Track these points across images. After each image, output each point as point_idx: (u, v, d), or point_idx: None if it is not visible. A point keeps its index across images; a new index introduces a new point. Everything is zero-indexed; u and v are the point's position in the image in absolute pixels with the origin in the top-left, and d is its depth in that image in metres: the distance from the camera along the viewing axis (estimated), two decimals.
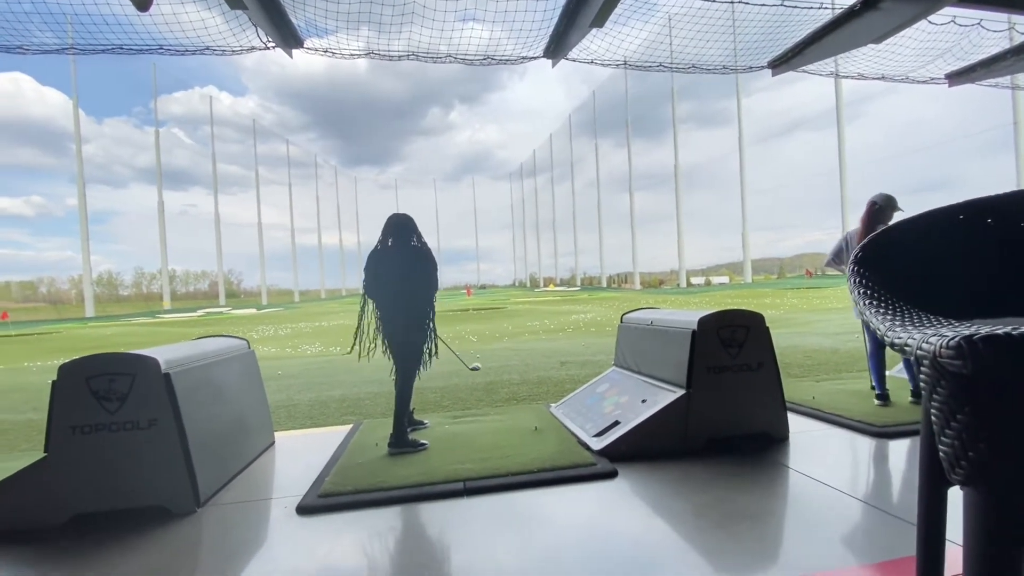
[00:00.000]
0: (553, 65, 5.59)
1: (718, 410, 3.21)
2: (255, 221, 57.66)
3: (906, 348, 0.60)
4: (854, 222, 4.25)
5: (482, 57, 5.48)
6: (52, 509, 2.53)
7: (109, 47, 5.19)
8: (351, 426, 4.16)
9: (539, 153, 74.09)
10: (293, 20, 4.71)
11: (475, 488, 2.74)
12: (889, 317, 0.68)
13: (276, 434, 3.97)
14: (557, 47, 5.14)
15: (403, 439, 3.37)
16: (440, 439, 3.56)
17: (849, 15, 4.95)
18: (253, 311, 40.28)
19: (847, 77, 7.34)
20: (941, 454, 0.59)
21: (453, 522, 2.44)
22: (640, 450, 3.10)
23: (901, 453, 3.09)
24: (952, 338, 0.53)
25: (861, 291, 0.76)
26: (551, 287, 66.46)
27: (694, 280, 52.38)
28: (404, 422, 3.42)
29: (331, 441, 3.71)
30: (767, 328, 3.35)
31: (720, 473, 2.85)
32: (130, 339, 17.74)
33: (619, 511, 2.50)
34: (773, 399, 3.32)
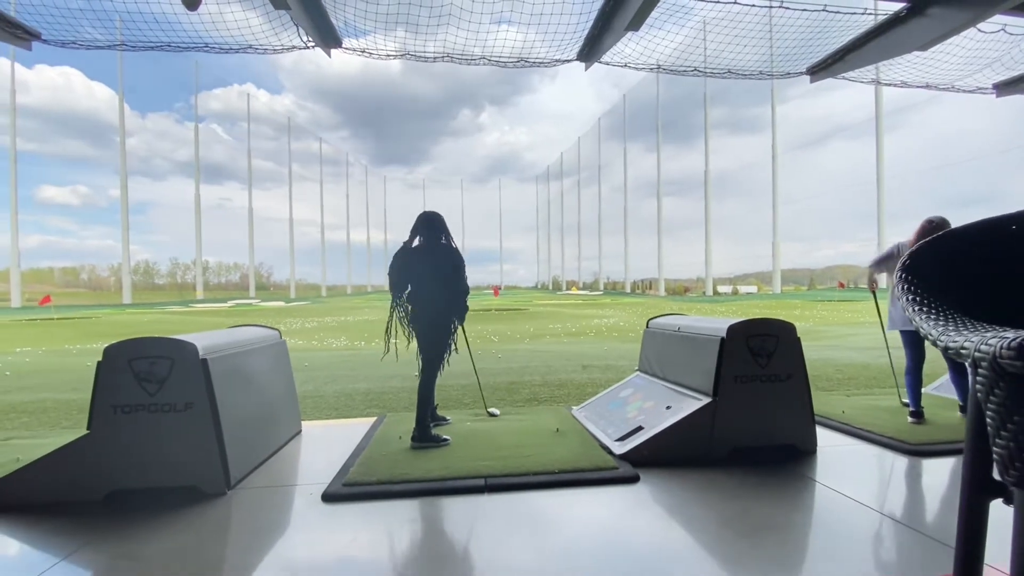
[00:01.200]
0: (586, 68, 5.59)
1: (744, 420, 3.16)
2: (287, 216, 59.16)
3: (962, 351, 0.60)
4: (892, 235, 4.15)
5: (515, 59, 5.51)
6: (92, 484, 2.65)
7: (157, 44, 5.41)
8: (375, 418, 4.23)
9: (566, 156, 74.00)
10: (333, 20, 4.83)
11: (496, 485, 2.77)
12: (941, 323, 0.67)
13: (303, 423, 4.07)
14: (591, 50, 5.14)
15: (426, 434, 3.41)
16: (462, 436, 3.60)
17: (894, 21, 4.81)
18: (281, 304, 41.23)
19: (889, 85, 7.12)
20: (995, 456, 0.58)
21: (473, 517, 2.47)
22: (663, 456, 3.08)
23: (936, 472, 2.98)
24: (1014, 339, 0.53)
25: (910, 297, 0.75)
26: (574, 290, 66.16)
27: (721, 288, 51.41)
28: (427, 417, 3.47)
29: (356, 432, 3.78)
30: (798, 338, 3.28)
31: (745, 483, 2.80)
32: (165, 326, 18.38)
33: (640, 516, 2.49)
34: (802, 411, 3.25)
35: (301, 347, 11.80)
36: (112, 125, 44.30)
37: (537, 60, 5.56)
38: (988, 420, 0.56)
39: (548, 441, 3.41)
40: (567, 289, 70.83)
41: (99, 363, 2.69)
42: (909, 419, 3.84)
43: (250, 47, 5.15)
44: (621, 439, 3.30)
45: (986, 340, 0.56)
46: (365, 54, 5.39)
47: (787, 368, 3.22)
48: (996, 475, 0.73)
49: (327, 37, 4.96)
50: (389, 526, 2.40)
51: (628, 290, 55.19)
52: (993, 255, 0.76)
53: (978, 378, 0.58)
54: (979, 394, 0.57)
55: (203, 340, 2.88)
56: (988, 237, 0.77)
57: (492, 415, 4.30)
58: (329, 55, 5.23)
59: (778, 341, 3.22)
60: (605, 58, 5.31)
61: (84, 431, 2.68)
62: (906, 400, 4.04)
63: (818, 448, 3.29)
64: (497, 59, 5.62)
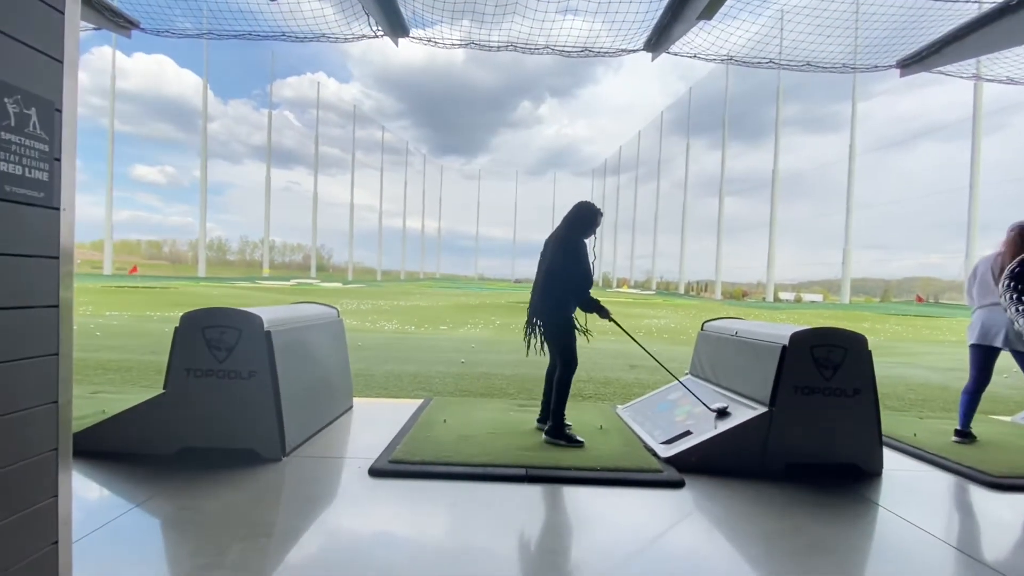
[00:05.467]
0: (652, 59, 5.42)
1: (803, 434, 2.99)
2: (348, 201, 61.59)
3: None
4: (984, 247, 3.74)
5: (580, 49, 5.42)
6: (166, 440, 2.87)
7: (239, 33, 5.72)
8: (422, 401, 4.33)
9: (626, 150, 72.36)
10: (402, 10, 4.93)
11: (537, 476, 2.76)
12: None
13: (355, 399, 4.23)
14: (659, 40, 4.97)
15: (560, 431, 3.28)
16: (505, 424, 3.62)
17: (1003, 11, 4.34)
18: (339, 285, 43.03)
19: (992, 81, 6.46)
20: None
21: (513, 506, 2.48)
22: (711, 464, 2.96)
23: (1021, 508, 2.71)
24: None
25: (1021, 308, 0.66)
26: (624, 287, 64.98)
27: (782, 295, 48.82)
28: (562, 414, 3.31)
29: (403, 412, 3.89)
30: (869, 352, 3.06)
31: (798, 500, 2.65)
32: (234, 300, 19.62)
33: (683, 523, 2.42)
34: (868, 430, 3.03)
35: (355, 327, 12.27)
36: (198, 110, 47.54)
37: (602, 50, 5.45)
38: None
39: (591, 437, 3.37)
40: (618, 287, 69.64)
41: (176, 329, 2.90)
42: (953, 438, 3.60)
43: (323, 36, 5.35)
44: (667, 442, 3.21)
45: None
46: (431, 43, 5.47)
47: (855, 382, 3.01)
48: None
49: (396, 27, 5.07)
50: (431, 505, 2.46)
51: (682, 291, 53.49)
52: None
53: None
54: None
55: (268, 314, 3.04)
56: None
57: (722, 411, 3.27)
58: (396, 44, 5.35)
59: (846, 353, 3.02)
60: (673, 48, 5.12)
61: (161, 391, 2.91)
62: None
63: (884, 471, 3.06)
64: (561, 48, 5.55)
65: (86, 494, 2.44)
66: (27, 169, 1.48)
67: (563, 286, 3.37)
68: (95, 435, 2.88)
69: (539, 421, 3.60)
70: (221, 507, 2.32)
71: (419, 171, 78.56)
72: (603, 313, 3.38)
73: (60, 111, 1.56)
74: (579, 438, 3.26)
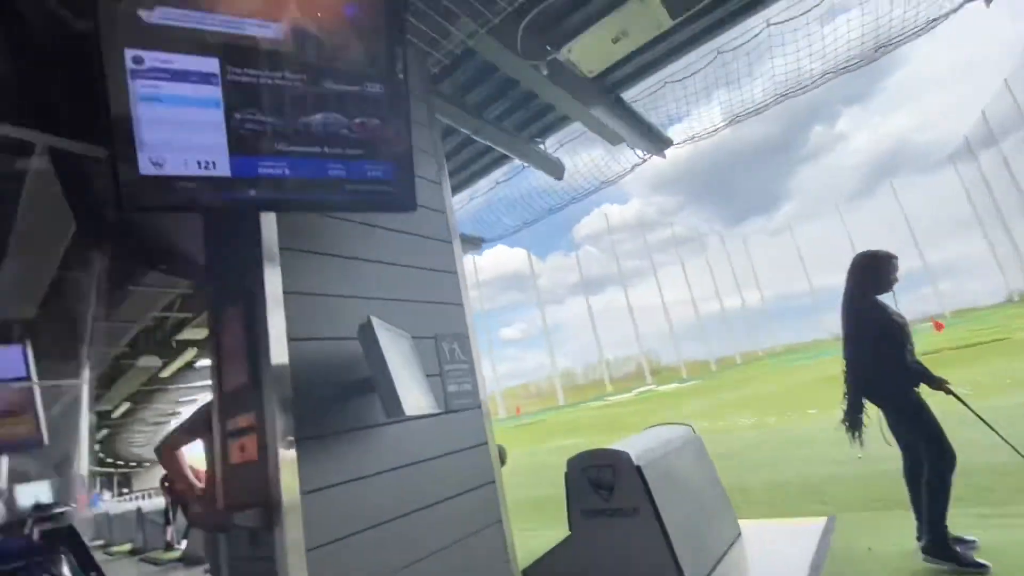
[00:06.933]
0: (988, 3, 4.07)
1: None
2: (659, 303, 63.40)
3: None
4: None
5: (873, 47, 4.56)
6: None
7: (548, 210, 7.12)
8: (825, 520, 3.60)
9: (990, 111, 52.88)
10: (653, 121, 5.19)
11: None
12: None
13: (739, 521, 3.84)
14: None
15: (941, 544, 2.58)
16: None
17: None
18: (676, 385, 42.55)
19: None
20: None
21: None
22: None
23: None
24: None
25: None
26: None
27: None
28: (942, 519, 2.64)
29: (802, 535, 3.29)
30: None
31: None
32: (592, 421, 21.63)
33: None
34: None
35: (706, 428, 11.60)
36: (528, 274, 59.81)
37: (903, 35, 4.43)
38: None
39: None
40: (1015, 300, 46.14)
41: (566, 473, 3.33)
42: None
43: (603, 183, 6.12)
44: None
45: None
46: (695, 139, 5.56)
47: None
48: None
49: (655, 142, 5.39)
50: None
51: None
52: None
53: None
54: None
55: (632, 447, 3.20)
56: None
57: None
58: (664, 156, 5.64)
59: None
60: None
61: (567, 532, 3.28)
62: None
63: None
64: (846, 60, 4.76)
65: None
66: (461, 384, 2.10)
67: (870, 360, 2.93)
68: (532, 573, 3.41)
69: (919, 539, 2.75)
70: None
71: (719, 249, 75.54)
72: (933, 383, 2.82)
73: (468, 337, 2.22)
74: (979, 559, 2.47)
